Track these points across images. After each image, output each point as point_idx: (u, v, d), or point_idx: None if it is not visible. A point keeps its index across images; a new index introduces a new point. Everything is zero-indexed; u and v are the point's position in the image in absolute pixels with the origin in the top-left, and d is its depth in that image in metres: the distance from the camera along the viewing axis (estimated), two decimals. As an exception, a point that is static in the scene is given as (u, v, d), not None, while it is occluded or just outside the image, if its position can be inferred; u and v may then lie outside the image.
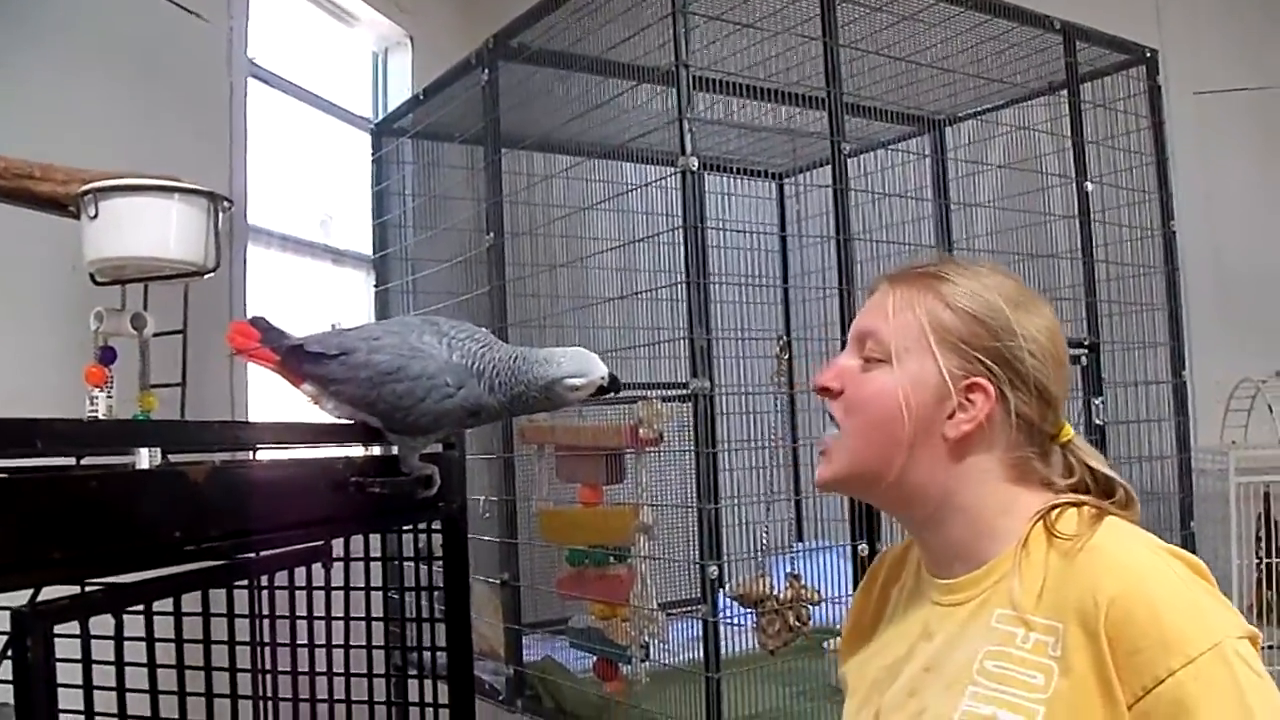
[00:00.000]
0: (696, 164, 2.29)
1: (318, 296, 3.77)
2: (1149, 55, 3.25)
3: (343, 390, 1.58)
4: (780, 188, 4.10)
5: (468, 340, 1.61)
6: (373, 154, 3.81)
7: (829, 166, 2.60)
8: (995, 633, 1.07)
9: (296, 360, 1.61)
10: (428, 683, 1.81)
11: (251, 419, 2.75)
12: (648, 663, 2.69)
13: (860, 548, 2.48)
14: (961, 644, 1.10)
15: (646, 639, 2.68)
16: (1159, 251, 3.21)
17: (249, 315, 1.70)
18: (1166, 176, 3.23)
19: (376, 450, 1.82)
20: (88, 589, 1.14)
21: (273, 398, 3.27)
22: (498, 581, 2.99)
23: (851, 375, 1.18)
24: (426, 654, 1.82)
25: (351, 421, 1.61)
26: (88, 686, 1.11)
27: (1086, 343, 2.93)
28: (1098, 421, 2.88)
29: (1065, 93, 3.11)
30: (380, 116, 4.07)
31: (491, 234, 3.01)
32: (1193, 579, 1.02)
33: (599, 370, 1.63)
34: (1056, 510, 1.10)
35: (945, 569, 1.17)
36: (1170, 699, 0.94)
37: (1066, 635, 1.01)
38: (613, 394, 1.70)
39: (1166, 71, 3.28)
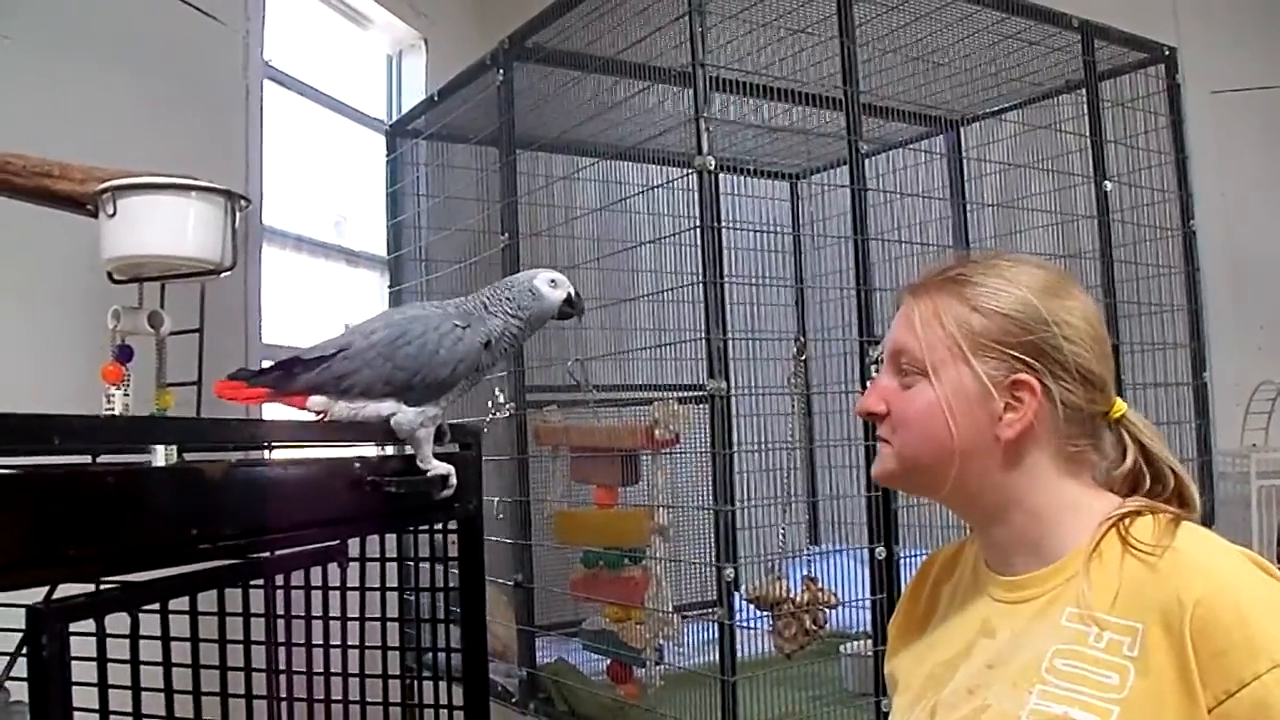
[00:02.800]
0: (713, 164, 2.28)
1: (332, 297, 3.77)
2: (1167, 53, 3.22)
3: (355, 381, 1.60)
4: (794, 188, 4.08)
5: (452, 297, 1.79)
6: (387, 155, 3.82)
7: (843, 167, 2.59)
8: (1065, 631, 1.06)
9: (292, 379, 1.63)
10: (440, 683, 1.81)
11: (265, 417, 2.75)
12: (662, 665, 2.67)
13: (878, 551, 2.47)
14: (1028, 642, 1.09)
15: (661, 641, 2.66)
16: (1178, 251, 3.19)
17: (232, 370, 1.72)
18: (1186, 176, 3.21)
19: (390, 449, 1.82)
20: (104, 586, 1.13)
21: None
22: (511, 583, 2.98)
23: (893, 395, 1.18)
24: (440, 655, 1.81)
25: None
26: (102, 684, 1.11)
27: (1106, 344, 2.90)
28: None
29: (1083, 91, 3.09)
30: (394, 118, 4.07)
31: (506, 235, 3.01)
32: (1276, 584, 1.01)
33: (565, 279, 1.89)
34: (1129, 517, 1.08)
35: (1008, 565, 1.16)
36: (1254, 701, 0.93)
37: (1146, 636, 0.99)
38: (577, 316, 1.97)
39: (1183, 70, 3.25)
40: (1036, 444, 1.12)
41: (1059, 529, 1.12)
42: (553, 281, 1.84)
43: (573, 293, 1.87)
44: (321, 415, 1.61)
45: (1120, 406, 1.16)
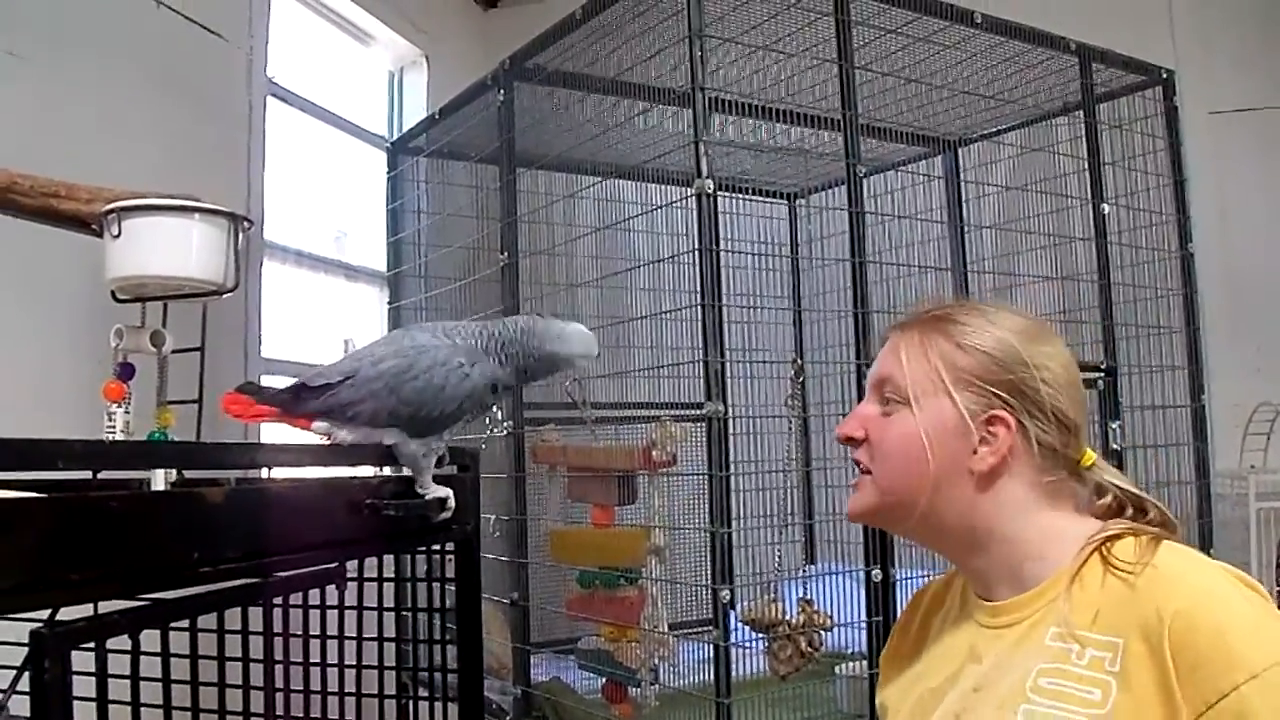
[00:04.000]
0: (712, 187, 2.29)
1: (332, 313, 3.78)
2: (1165, 76, 3.24)
3: (360, 411, 1.59)
4: (792, 208, 4.10)
5: (464, 326, 1.69)
6: (388, 172, 3.84)
7: (840, 187, 2.60)
8: (1049, 650, 1.08)
9: (299, 402, 1.62)
10: (436, 703, 1.81)
11: (263, 438, 2.76)
12: (657, 685, 2.68)
13: (874, 573, 2.47)
14: (1013, 664, 1.11)
15: (656, 661, 2.67)
16: (1176, 273, 3.20)
17: (240, 382, 1.70)
18: (1184, 198, 3.22)
19: (388, 471, 1.82)
20: (106, 610, 1.14)
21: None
22: (507, 601, 2.98)
23: (873, 421, 1.22)
24: (433, 674, 1.82)
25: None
26: (102, 704, 1.11)
27: (1104, 366, 2.91)
28: (1115, 446, 2.85)
29: (1081, 114, 3.10)
30: (395, 135, 4.09)
31: (506, 253, 3.02)
32: (1255, 597, 1.03)
33: (595, 349, 1.81)
34: (1111, 538, 1.11)
35: (992, 592, 1.19)
36: (1233, 713, 0.94)
37: (1127, 650, 1.01)
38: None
39: (1181, 91, 3.27)
40: (1011, 477, 1.16)
41: (1039, 555, 1.14)
42: (581, 363, 1.79)
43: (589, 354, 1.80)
44: (326, 438, 1.62)
45: (1090, 456, 1.19)
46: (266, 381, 3.18)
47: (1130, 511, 1.16)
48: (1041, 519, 1.15)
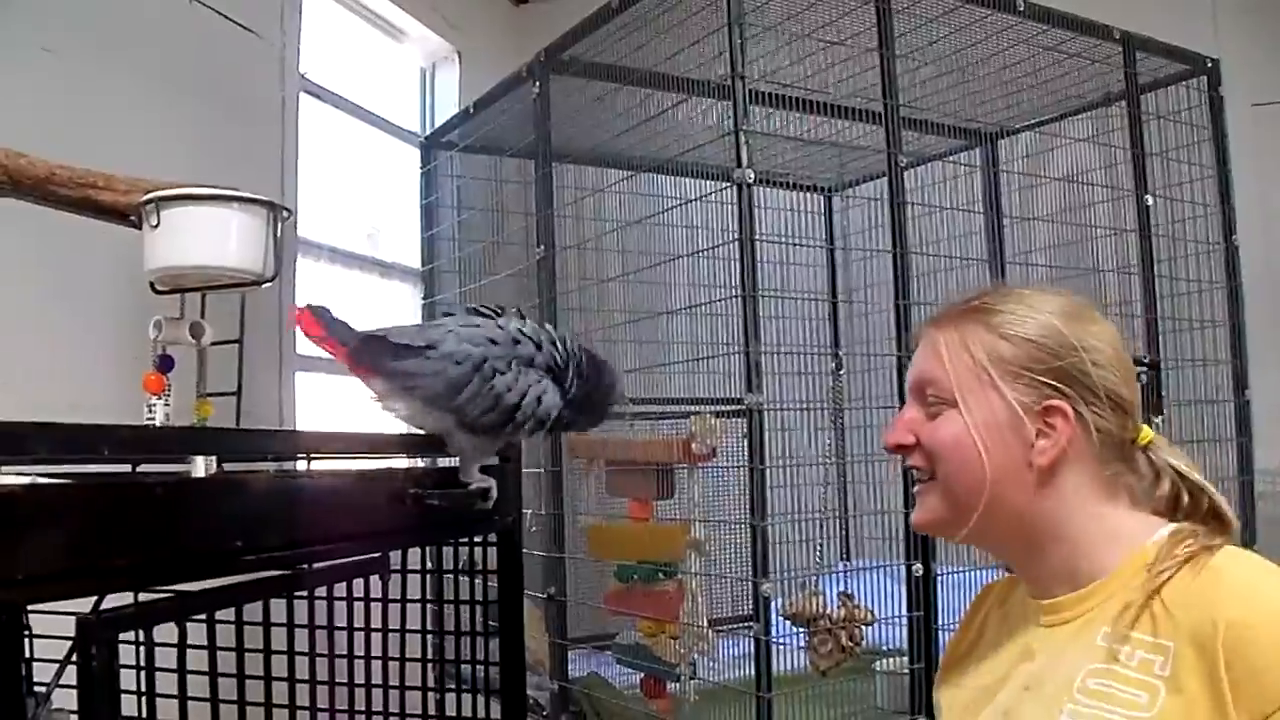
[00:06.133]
0: (752, 177, 2.27)
1: (365, 309, 3.78)
2: (1210, 65, 3.18)
3: (423, 387, 1.47)
4: (828, 201, 4.07)
5: (548, 335, 1.55)
6: (421, 167, 3.83)
7: (877, 180, 2.58)
8: (1099, 650, 1.04)
9: (369, 353, 1.50)
10: (470, 696, 1.79)
11: (300, 427, 2.76)
12: (696, 680, 2.66)
13: (915, 568, 2.44)
14: (1063, 662, 1.08)
15: (695, 656, 2.65)
16: (1220, 266, 3.14)
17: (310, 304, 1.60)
18: (1229, 189, 3.17)
19: (421, 462, 1.80)
20: (153, 596, 1.13)
21: (321, 407, 3.29)
22: (544, 595, 2.97)
23: (920, 426, 1.17)
24: (476, 668, 1.81)
25: (409, 430, 1.57)
26: (150, 693, 1.10)
27: (1147, 360, 2.87)
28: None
29: (1123, 104, 3.06)
30: (428, 131, 4.09)
31: (542, 247, 3.01)
32: None
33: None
34: (1171, 537, 1.07)
35: (1047, 591, 1.15)
36: None
37: (1177, 655, 0.98)
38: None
39: (1224, 82, 3.21)
40: (1071, 470, 1.11)
41: (1096, 553, 1.10)
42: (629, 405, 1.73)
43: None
44: (375, 399, 1.50)
45: (1147, 433, 1.15)
46: (301, 379, 3.20)
47: (1186, 501, 1.12)
48: (1101, 515, 1.11)
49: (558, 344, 1.54)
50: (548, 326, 1.59)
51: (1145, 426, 1.16)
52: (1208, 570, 1.01)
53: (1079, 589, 1.11)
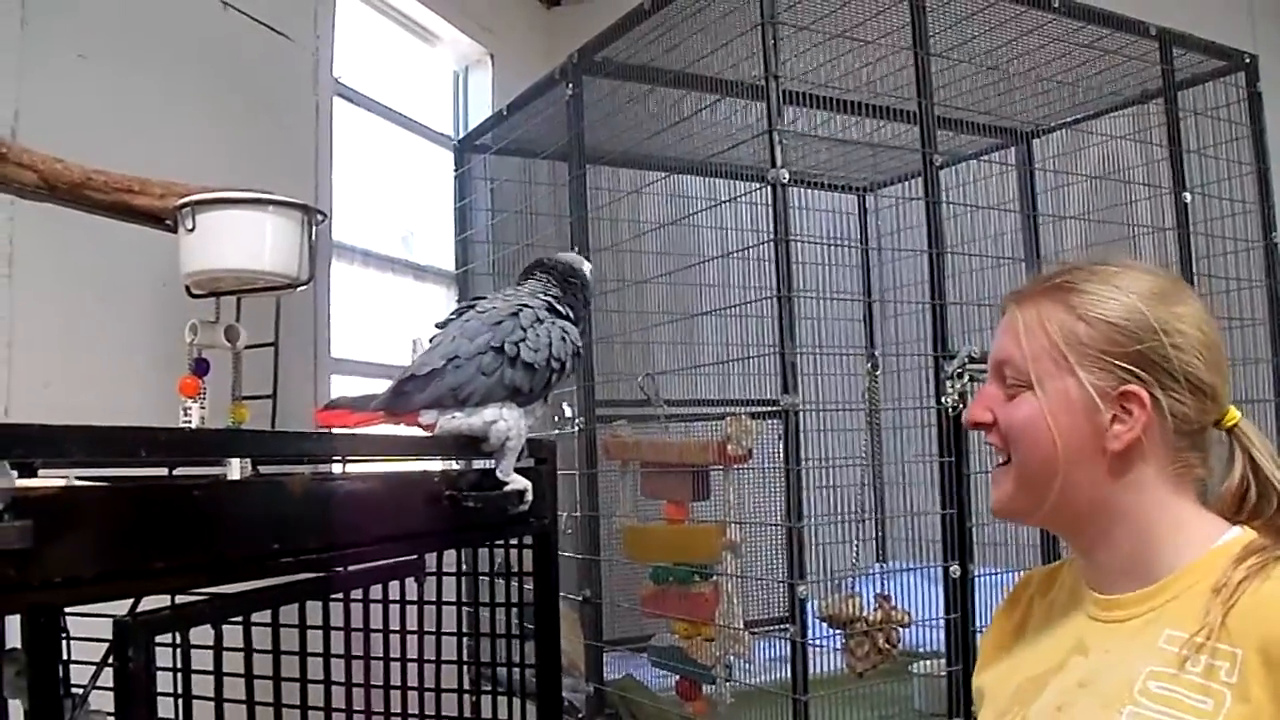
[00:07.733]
0: (787, 177, 2.26)
1: (400, 312, 3.79)
2: (1248, 61, 3.14)
3: (472, 389, 1.58)
4: (861, 201, 4.04)
5: (525, 289, 1.81)
6: (455, 170, 3.84)
7: (911, 180, 2.55)
8: (1162, 653, 1.02)
9: (403, 398, 1.60)
10: (505, 699, 1.79)
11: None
12: (732, 683, 2.64)
13: (953, 569, 2.42)
14: (1122, 662, 1.05)
15: (731, 658, 2.63)
16: (1259, 265, 3.09)
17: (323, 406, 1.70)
18: (1268, 187, 3.11)
19: (448, 464, 1.81)
20: (190, 599, 1.13)
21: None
22: (579, 598, 2.97)
23: (999, 404, 1.16)
24: (511, 670, 1.80)
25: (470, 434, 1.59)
26: (188, 696, 1.11)
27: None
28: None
29: (1160, 101, 3.02)
30: (461, 134, 4.10)
31: (576, 248, 3.00)
32: None
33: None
34: (1244, 550, 1.04)
35: (1109, 585, 1.12)
36: None
37: (1245, 662, 0.96)
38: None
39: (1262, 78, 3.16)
40: (1144, 458, 1.09)
41: (1163, 548, 1.08)
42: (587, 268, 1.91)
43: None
44: (430, 429, 1.59)
45: (1233, 415, 1.12)
46: (336, 383, 3.22)
47: (1253, 499, 1.09)
48: (1171, 508, 1.09)
49: (547, 286, 1.79)
50: (530, 280, 1.82)
51: (1232, 408, 1.12)
52: (1278, 579, 0.99)
53: (1142, 583, 1.08)
